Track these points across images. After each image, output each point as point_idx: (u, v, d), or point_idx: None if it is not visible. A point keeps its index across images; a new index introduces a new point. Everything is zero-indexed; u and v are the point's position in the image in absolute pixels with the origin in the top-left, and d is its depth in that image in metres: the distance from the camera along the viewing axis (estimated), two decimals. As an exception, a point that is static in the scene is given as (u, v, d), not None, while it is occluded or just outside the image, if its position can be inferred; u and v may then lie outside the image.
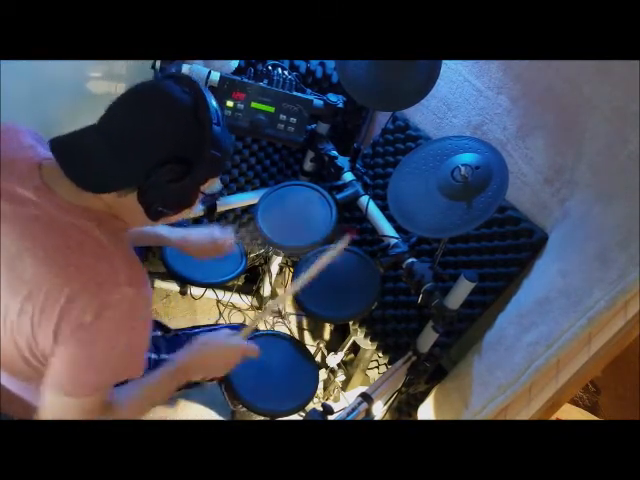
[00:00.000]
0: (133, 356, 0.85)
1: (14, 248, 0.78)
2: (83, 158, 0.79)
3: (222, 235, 1.25)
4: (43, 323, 0.79)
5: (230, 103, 1.41)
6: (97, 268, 0.77)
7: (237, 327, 1.29)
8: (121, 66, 1.42)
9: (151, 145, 0.77)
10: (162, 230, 1.19)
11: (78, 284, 0.76)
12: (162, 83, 0.80)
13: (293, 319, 2.09)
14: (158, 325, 1.26)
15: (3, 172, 0.81)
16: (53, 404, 0.82)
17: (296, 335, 2.06)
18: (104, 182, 0.79)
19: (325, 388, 1.89)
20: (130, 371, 0.86)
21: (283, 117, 1.45)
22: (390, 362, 1.52)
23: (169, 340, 1.23)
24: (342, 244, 1.11)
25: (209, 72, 1.38)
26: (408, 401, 1.52)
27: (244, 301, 2.01)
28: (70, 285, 0.76)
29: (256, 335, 1.32)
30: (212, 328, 1.32)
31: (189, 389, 1.26)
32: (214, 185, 0.89)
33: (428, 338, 1.22)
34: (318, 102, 1.47)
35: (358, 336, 1.67)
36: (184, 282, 1.43)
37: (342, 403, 1.85)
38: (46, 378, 0.81)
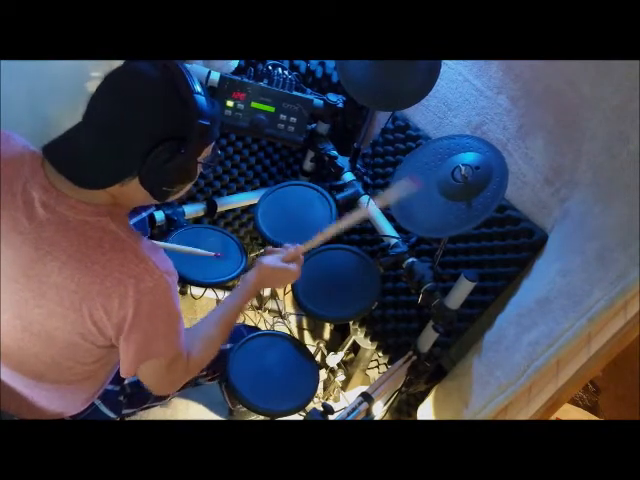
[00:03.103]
0: (178, 325, 0.89)
1: (33, 252, 0.79)
2: (78, 159, 0.78)
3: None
4: (81, 323, 0.81)
5: (230, 103, 1.41)
6: (124, 260, 0.79)
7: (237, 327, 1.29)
8: (121, 66, 1.42)
9: (139, 130, 0.77)
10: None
11: (109, 280, 0.78)
12: (131, 65, 0.79)
13: (293, 319, 2.09)
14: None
15: (10, 172, 0.81)
16: (143, 372, 0.89)
17: (296, 335, 2.06)
18: (105, 177, 0.79)
19: (325, 388, 1.89)
20: (179, 337, 0.90)
21: (283, 117, 1.45)
22: (390, 362, 1.52)
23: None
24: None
25: (209, 72, 1.38)
26: (408, 401, 1.53)
27: (244, 301, 2.01)
28: (101, 283, 0.78)
29: (256, 335, 1.32)
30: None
31: (190, 388, 1.26)
32: (210, 152, 0.89)
33: (428, 338, 1.22)
34: (318, 102, 1.47)
35: (358, 336, 1.67)
36: (184, 282, 1.43)
37: (342, 403, 1.85)
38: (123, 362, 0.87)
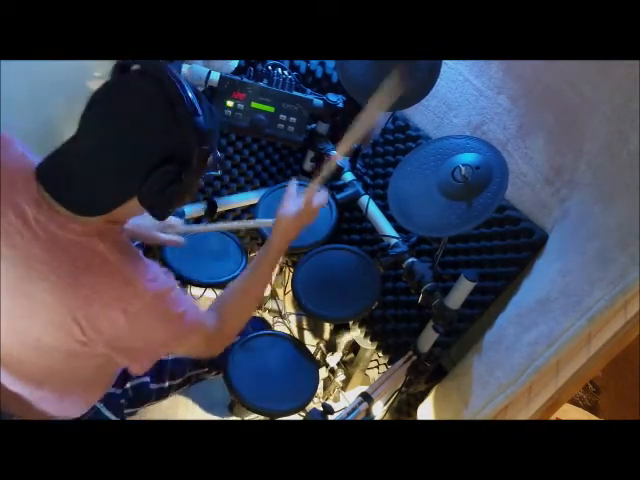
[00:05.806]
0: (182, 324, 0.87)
1: (24, 269, 0.77)
2: (75, 185, 0.75)
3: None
4: (72, 342, 0.79)
5: (230, 103, 1.41)
6: (111, 284, 0.76)
7: None
8: (121, 66, 1.42)
9: (137, 155, 0.74)
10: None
11: (97, 304, 0.76)
12: (122, 80, 0.76)
13: (293, 319, 2.09)
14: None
15: (4, 182, 0.77)
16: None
17: (296, 335, 2.06)
18: (101, 204, 0.77)
19: (325, 388, 1.89)
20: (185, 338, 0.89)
21: (283, 117, 1.45)
22: (390, 362, 1.52)
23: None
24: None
25: (209, 72, 1.38)
26: (408, 401, 1.52)
27: (244, 301, 2.01)
28: (89, 306, 0.76)
29: (256, 335, 1.32)
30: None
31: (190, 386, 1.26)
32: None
33: (428, 338, 1.22)
34: (318, 102, 1.47)
35: (358, 336, 1.67)
36: (184, 282, 1.43)
37: (342, 403, 1.85)
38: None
